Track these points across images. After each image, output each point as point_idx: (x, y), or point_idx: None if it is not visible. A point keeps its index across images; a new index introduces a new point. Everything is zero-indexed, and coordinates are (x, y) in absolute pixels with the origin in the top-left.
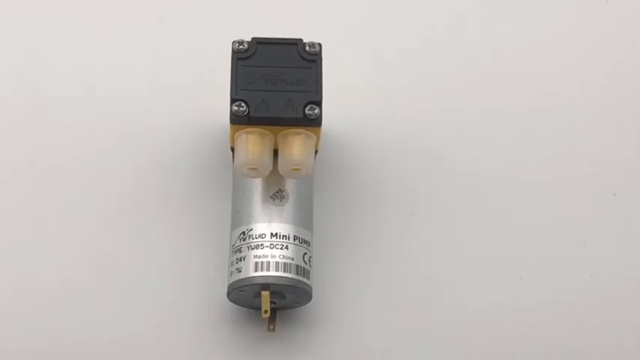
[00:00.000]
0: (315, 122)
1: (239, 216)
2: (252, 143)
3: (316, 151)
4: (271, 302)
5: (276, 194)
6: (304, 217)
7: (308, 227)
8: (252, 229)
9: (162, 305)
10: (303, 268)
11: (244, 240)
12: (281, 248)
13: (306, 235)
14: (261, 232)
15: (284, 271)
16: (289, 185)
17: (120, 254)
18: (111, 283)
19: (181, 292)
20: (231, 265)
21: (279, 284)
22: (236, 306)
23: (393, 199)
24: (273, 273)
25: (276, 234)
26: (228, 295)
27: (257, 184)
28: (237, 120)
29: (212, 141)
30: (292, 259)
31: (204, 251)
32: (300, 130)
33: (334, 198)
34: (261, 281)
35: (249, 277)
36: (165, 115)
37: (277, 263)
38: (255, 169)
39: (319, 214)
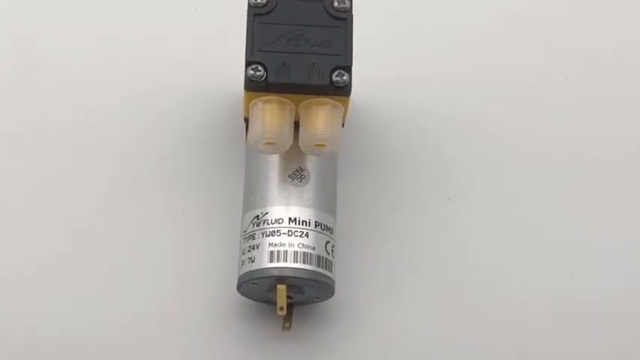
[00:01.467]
0: (344, 90)
1: (252, 197)
2: (270, 114)
3: (343, 124)
4: (288, 297)
5: (295, 173)
6: (327, 201)
7: (331, 212)
8: (267, 213)
9: (162, 298)
10: (325, 258)
11: (258, 225)
12: (300, 236)
13: (329, 221)
14: (278, 217)
15: (303, 262)
16: (310, 163)
17: (115, 238)
18: (102, 273)
19: (185, 283)
20: (243, 254)
21: (297, 277)
22: (247, 300)
23: (428, 181)
24: (290, 264)
25: (295, 219)
26: (239, 287)
27: (274, 162)
28: (253, 86)
29: (223, 110)
30: (313, 248)
31: (211, 236)
32: (326, 99)
33: (361, 179)
34: (277, 273)
35: (263, 269)
36: (168, 80)
37: (296, 253)
38: (272, 143)
39: (343, 197)
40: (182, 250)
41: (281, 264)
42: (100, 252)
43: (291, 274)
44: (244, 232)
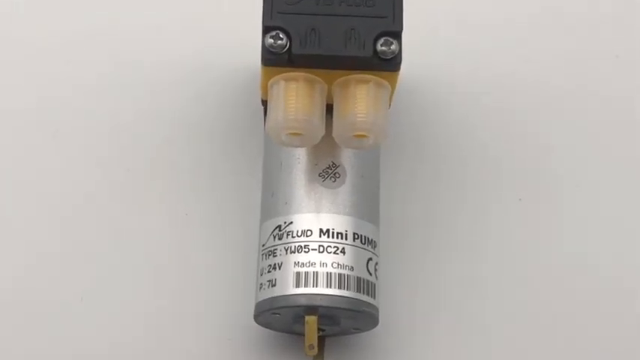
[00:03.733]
0: (391, 64)
1: (273, 202)
2: (295, 96)
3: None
4: (319, 330)
5: (327, 171)
6: (369, 206)
7: (374, 220)
8: (291, 223)
9: (161, 327)
10: (367, 281)
11: (280, 238)
12: (335, 252)
13: (372, 233)
14: (306, 228)
15: (339, 287)
16: (347, 158)
17: (106, 248)
18: (89, 291)
19: (190, 308)
20: (261, 275)
21: (332, 307)
22: (266, 331)
23: (493, 178)
24: (322, 290)
25: (328, 231)
26: (256, 317)
27: (300, 156)
28: (273, 59)
29: (234, 90)
30: (351, 268)
31: (222, 250)
32: (369, 75)
33: (409, 178)
34: (305, 302)
35: (287, 296)
36: (166, 53)
37: (329, 275)
38: (298, 134)
39: (385, 200)
40: (187, 266)
41: (310, 289)
42: (85, 277)
43: (323, 303)
44: (263, 246)
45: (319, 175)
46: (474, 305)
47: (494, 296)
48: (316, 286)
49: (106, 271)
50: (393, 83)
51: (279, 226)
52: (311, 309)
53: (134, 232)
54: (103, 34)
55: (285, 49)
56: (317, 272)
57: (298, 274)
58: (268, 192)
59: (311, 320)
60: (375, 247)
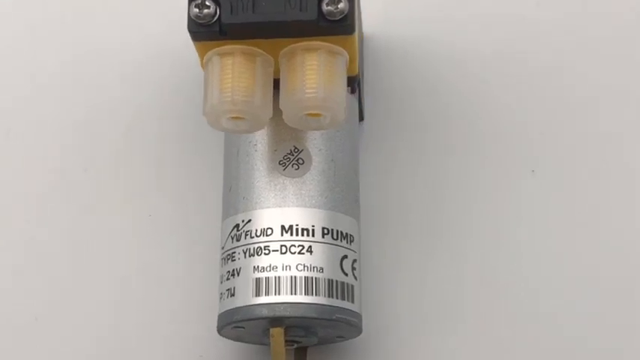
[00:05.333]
0: (343, 26)
1: (231, 197)
2: (232, 73)
3: (353, 79)
4: (293, 342)
5: (289, 157)
6: (343, 195)
7: (350, 211)
8: (250, 221)
9: (124, 342)
10: (343, 283)
11: (238, 239)
12: (300, 252)
13: (348, 225)
14: (266, 226)
15: (306, 293)
16: (311, 140)
17: (64, 257)
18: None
19: (156, 323)
20: (221, 283)
21: (298, 317)
22: (242, 344)
23: (500, 151)
24: (286, 298)
25: (292, 227)
26: (220, 330)
27: (257, 142)
28: (202, 32)
29: (199, 82)
30: (321, 269)
31: (190, 255)
32: (318, 42)
33: (396, 157)
34: (266, 313)
35: (246, 307)
36: (122, 47)
37: (293, 279)
38: (239, 118)
39: (371, 188)
40: (151, 276)
41: (272, 298)
42: (40, 294)
43: (288, 313)
44: (222, 249)
45: (279, 163)
46: (480, 305)
47: (503, 293)
48: (279, 294)
49: (63, 285)
50: (350, 49)
51: (237, 226)
52: (275, 320)
53: (94, 238)
54: (53, 29)
55: (215, 19)
56: (279, 277)
57: (258, 280)
58: (226, 186)
59: (277, 333)
60: (352, 242)
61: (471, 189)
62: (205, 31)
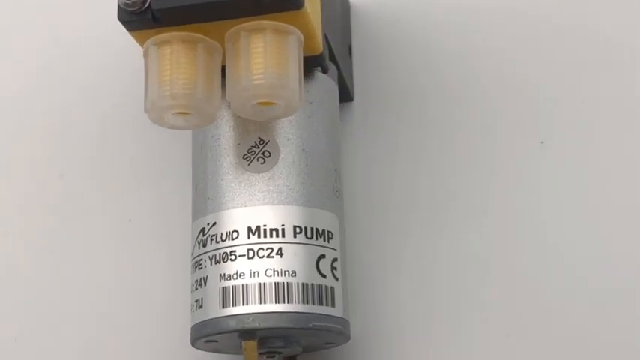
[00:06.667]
0: (287, 1)
1: (197, 198)
2: (170, 64)
3: (318, 58)
4: (271, 354)
5: (254, 150)
6: (317, 188)
7: (328, 205)
8: (215, 224)
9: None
10: (320, 286)
11: (205, 245)
12: (269, 255)
13: (326, 221)
14: (231, 229)
15: (277, 301)
16: (278, 130)
17: (41, 269)
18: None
19: (132, 329)
20: (191, 293)
21: (270, 327)
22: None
23: (506, 123)
24: (255, 307)
25: (259, 229)
26: (193, 344)
27: (221, 135)
28: (135, 21)
29: None
30: (293, 273)
31: (171, 262)
32: (265, 21)
33: (388, 141)
34: (234, 326)
35: (214, 319)
36: (92, 49)
37: (262, 287)
38: (185, 113)
39: (359, 176)
40: (130, 278)
41: (240, 308)
42: (18, 310)
43: (257, 324)
44: (191, 254)
45: (244, 158)
46: (487, 302)
47: (510, 290)
48: (247, 304)
49: (41, 298)
50: (303, 25)
51: (203, 230)
52: (246, 333)
53: (73, 245)
54: (26, 31)
55: (146, 6)
56: (246, 285)
57: (225, 289)
58: (193, 186)
59: (249, 347)
60: (330, 239)
61: (476, 170)
62: (137, 19)
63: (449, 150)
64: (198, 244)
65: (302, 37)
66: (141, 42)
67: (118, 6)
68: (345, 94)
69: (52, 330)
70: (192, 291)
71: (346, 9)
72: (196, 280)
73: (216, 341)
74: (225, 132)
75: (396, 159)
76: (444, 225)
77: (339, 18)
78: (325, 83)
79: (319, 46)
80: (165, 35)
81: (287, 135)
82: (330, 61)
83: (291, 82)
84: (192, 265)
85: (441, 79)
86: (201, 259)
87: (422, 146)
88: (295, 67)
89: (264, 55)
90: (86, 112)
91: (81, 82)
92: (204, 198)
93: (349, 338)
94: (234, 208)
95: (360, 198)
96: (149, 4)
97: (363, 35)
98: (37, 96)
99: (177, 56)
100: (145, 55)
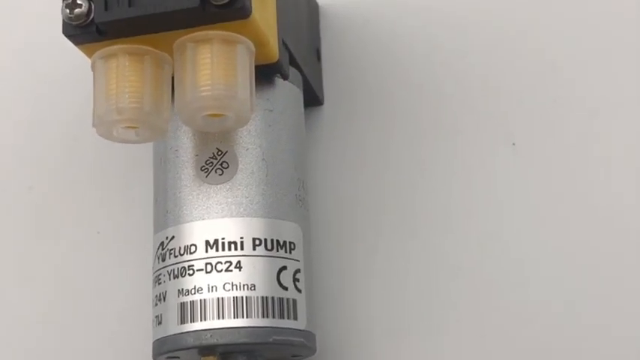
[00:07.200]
0: (235, 10)
1: (157, 211)
2: (116, 77)
3: (274, 66)
4: None
5: (211, 161)
6: (278, 198)
7: (290, 215)
8: (173, 238)
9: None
10: (281, 299)
11: (163, 259)
12: (227, 269)
13: (288, 232)
14: (189, 243)
15: (235, 316)
16: (237, 140)
17: (8, 282)
18: None
19: (102, 337)
20: (152, 307)
21: (228, 343)
22: None
23: (476, 125)
24: (214, 323)
25: (217, 242)
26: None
27: (179, 147)
28: (79, 35)
29: None
30: (252, 287)
31: (143, 276)
32: (212, 31)
33: (358, 146)
34: (192, 342)
35: (172, 336)
36: (60, 57)
37: (220, 301)
38: (134, 127)
39: (328, 183)
40: (96, 291)
41: (198, 324)
42: None
43: (215, 340)
44: (152, 269)
45: (202, 169)
46: (462, 309)
47: (485, 293)
48: (205, 320)
49: (7, 311)
50: (253, 34)
51: (162, 244)
52: (205, 349)
53: (41, 258)
54: None
55: (89, 20)
56: (204, 300)
57: (183, 305)
58: (154, 199)
59: None
60: (292, 250)
61: (447, 173)
62: (82, 32)
63: (420, 153)
64: (158, 258)
65: (252, 46)
66: (90, 55)
67: (63, 20)
68: (314, 99)
69: (19, 343)
70: (152, 306)
71: (314, 11)
72: (156, 296)
73: (177, 357)
74: (183, 143)
75: (366, 163)
76: (415, 230)
77: (305, 21)
78: (286, 90)
79: (274, 54)
80: (111, 48)
81: (246, 145)
82: (292, 66)
83: (239, 92)
84: (153, 280)
85: (411, 82)
86: (160, 274)
87: (392, 149)
88: (245, 77)
89: (212, 66)
90: (54, 123)
91: (47, 92)
92: (164, 211)
93: (315, 351)
94: (192, 221)
95: (330, 203)
96: (92, 18)
97: (332, 38)
98: (3, 108)
99: (124, 69)
100: (93, 68)
